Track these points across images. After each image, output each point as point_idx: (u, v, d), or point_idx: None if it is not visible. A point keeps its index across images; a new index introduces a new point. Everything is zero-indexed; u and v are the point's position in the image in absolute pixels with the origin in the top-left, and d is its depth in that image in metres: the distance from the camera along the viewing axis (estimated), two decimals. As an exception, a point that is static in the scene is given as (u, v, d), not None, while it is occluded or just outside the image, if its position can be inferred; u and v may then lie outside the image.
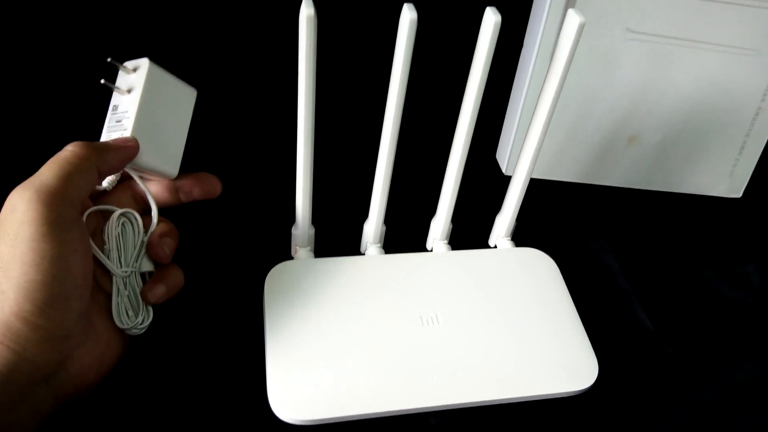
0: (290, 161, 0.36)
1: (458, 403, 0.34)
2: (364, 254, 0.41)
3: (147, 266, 0.34)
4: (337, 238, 0.41)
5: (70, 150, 0.30)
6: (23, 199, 0.27)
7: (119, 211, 0.33)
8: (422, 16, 0.31)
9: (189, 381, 0.34)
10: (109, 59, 0.34)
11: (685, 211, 0.50)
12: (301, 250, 0.40)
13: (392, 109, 0.34)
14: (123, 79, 0.35)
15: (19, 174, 0.29)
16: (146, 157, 0.33)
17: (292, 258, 0.40)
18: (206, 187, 0.36)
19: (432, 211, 0.42)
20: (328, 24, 0.33)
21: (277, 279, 0.37)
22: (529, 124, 0.38)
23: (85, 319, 0.30)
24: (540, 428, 0.35)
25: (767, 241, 0.48)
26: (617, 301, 0.42)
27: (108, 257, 0.32)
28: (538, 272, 0.41)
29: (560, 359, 0.36)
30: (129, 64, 0.35)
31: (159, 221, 0.34)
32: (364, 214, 0.40)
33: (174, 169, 0.35)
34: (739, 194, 0.51)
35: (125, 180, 0.35)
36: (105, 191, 0.34)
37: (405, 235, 0.42)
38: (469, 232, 0.43)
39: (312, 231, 0.40)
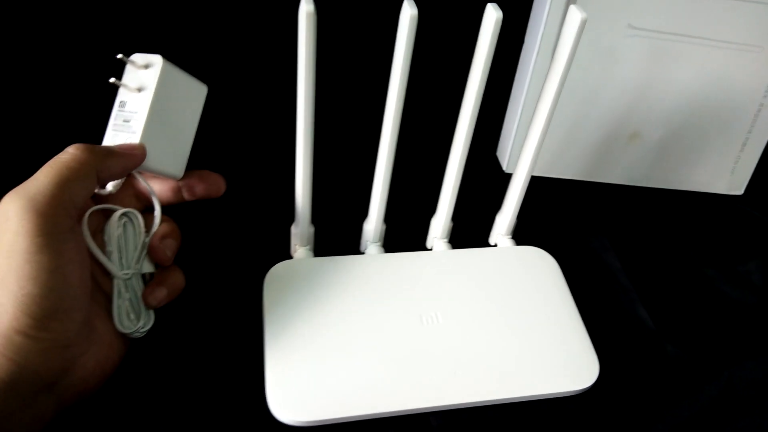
0: (290, 159, 0.35)
1: (459, 403, 0.34)
2: (364, 253, 0.41)
3: (148, 267, 0.33)
4: (337, 237, 0.41)
5: (70, 153, 0.29)
6: (17, 207, 0.26)
7: (120, 210, 0.32)
8: (422, 12, 0.30)
9: (187, 382, 0.34)
10: (119, 56, 0.32)
11: (686, 208, 0.50)
12: (301, 249, 0.40)
13: (392, 107, 0.34)
14: (132, 75, 0.33)
15: (18, 171, 0.29)
16: (153, 161, 0.32)
17: (291, 257, 0.40)
18: (210, 185, 0.36)
19: (432, 209, 0.42)
20: (327, 21, 0.33)
21: (276, 278, 0.37)
22: (530, 121, 0.38)
23: (86, 327, 0.29)
24: (541, 428, 0.35)
25: (768, 238, 0.48)
26: (618, 299, 0.42)
27: (109, 258, 0.31)
28: (539, 271, 0.41)
29: (561, 358, 0.36)
30: (138, 58, 0.33)
31: (161, 221, 0.34)
32: (364, 213, 0.40)
33: (180, 170, 0.34)
34: (740, 191, 0.51)
35: (127, 176, 0.34)
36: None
37: (405, 233, 0.42)
38: (470, 231, 0.43)
39: (312, 230, 0.40)
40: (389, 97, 0.34)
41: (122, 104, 0.32)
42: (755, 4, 0.43)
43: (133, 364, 0.33)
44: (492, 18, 0.31)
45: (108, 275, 0.32)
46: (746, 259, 0.45)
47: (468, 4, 0.36)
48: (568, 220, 0.47)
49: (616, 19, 0.44)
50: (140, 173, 0.33)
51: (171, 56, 0.33)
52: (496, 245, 0.43)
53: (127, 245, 0.32)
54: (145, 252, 0.33)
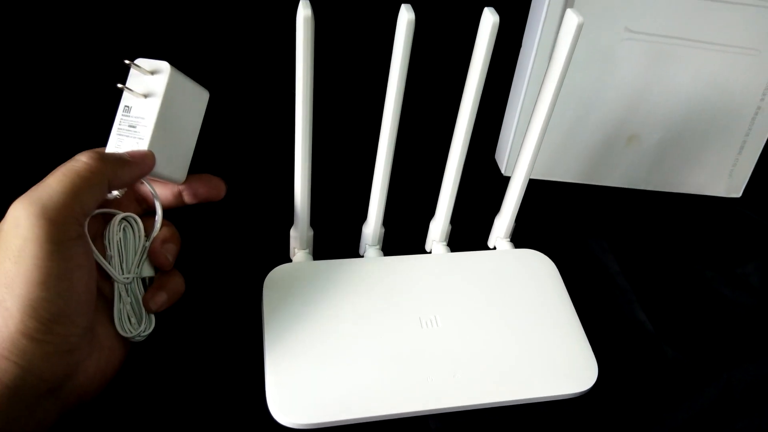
0: (288, 163, 0.36)
1: (457, 406, 0.34)
2: (363, 256, 0.41)
3: (147, 271, 0.33)
4: (336, 240, 0.41)
5: (83, 162, 0.29)
6: (28, 214, 0.26)
7: (121, 215, 0.32)
8: (420, 16, 0.31)
9: (187, 385, 0.34)
10: (126, 61, 0.32)
11: (685, 211, 0.50)
12: (300, 253, 0.40)
13: (390, 111, 0.34)
14: (138, 80, 0.32)
15: (20, 171, 0.29)
16: (160, 167, 0.32)
17: (290, 260, 0.40)
18: (211, 189, 0.36)
19: (431, 212, 0.42)
20: (325, 25, 0.33)
21: (275, 282, 0.37)
22: (528, 124, 0.38)
23: (89, 331, 0.29)
24: (540, 430, 0.35)
25: (767, 241, 0.48)
26: (617, 302, 0.42)
27: (109, 263, 0.31)
28: (537, 273, 0.41)
29: (559, 361, 0.36)
30: (144, 64, 0.32)
31: (161, 225, 0.34)
32: (363, 216, 0.40)
33: (183, 175, 0.35)
34: (738, 194, 0.51)
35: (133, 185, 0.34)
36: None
37: (404, 237, 0.42)
38: (468, 234, 0.43)
39: (311, 233, 0.40)
40: (387, 101, 0.34)
41: (127, 109, 0.32)
42: (752, 8, 0.43)
43: (134, 368, 0.33)
44: (489, 22, 0.31)
45: (108, 279, 0.32)
46: (744, 261, 0.46)
47: (466, 9, 0.37)
48: (567, 223, 0.47)
49: (613, 22, 0.44)
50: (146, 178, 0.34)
51: (170, 59, 0.33)
52: (494, 248, 0.44)
53: (127, 250, 0.32)
54: (145, 256, 0.33)
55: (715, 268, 0.45)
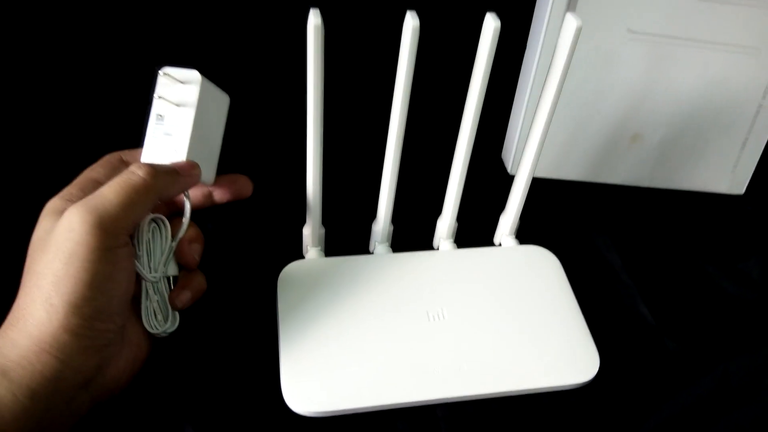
0: (301, 165, 0.37)
1: (464, 396, 0.35)
2: (372, 253, 0.43)
3: (173, 270, 0.34)
4: (347, 238, 0.42)
5: (140, 177, 0.30)
6: (83, 221, 0.28)
7: (150, 216, 0.33)
8: (426, 21, 0.32)
9: (207, 375, 0.36)
10: (159, 71, 0.33)
11: (688, 207, 0.50)
12: (312, 250, 0.41)
13: (398, 113, 0.35)
14: (168, 89, 0.34)
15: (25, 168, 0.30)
16: None
17: (303, 257, 0.41)
18: (240, 188, 0.37)
19: (438, 210, 0.43)
20: (335, 31, 0.34)
21: (289, 277, 0.39)
22: (531, 124, 0.39)
23: (122, 328, 0.31)
24: (543, 419, 0.36)
25: (769, 236, 0.48)
26: (620, 296, 0.43)
27: (139, 262, 0.32)
28: (542, 269, 0.42)
29: (562, 353, 0.37)
30: (174, 73, 0.34)
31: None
32: (373, 215, 0.42)
33: (212, 176, 0.36)
34: (741, 191, 0.52)
35: None
36: None
37: (412, 234, 0.43)
38: (475, 231, 0.44)
39: (322, 231, 0.41)
40: (395, 103, 0.35)
41: (160, 118, 0.33)
42: (752, 8, 0.44)
43: (155, 361, 0.34)
44: (491, 27, 0.33)
45: (136, 278, 0.33)
46: (746, 256, 0.46)
47: (471, 13, 0.38)
48: (572, 219, 0.48)
49: (615, 23, 0.45)
50: None
51: (186, 64, 0.34)
52: (500, 245, 0.45)
53: (155, 249, 0.33)
54: (171, 256, 0.34)
55: (717, 263, 0.45)
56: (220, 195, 0.37)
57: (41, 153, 0.47)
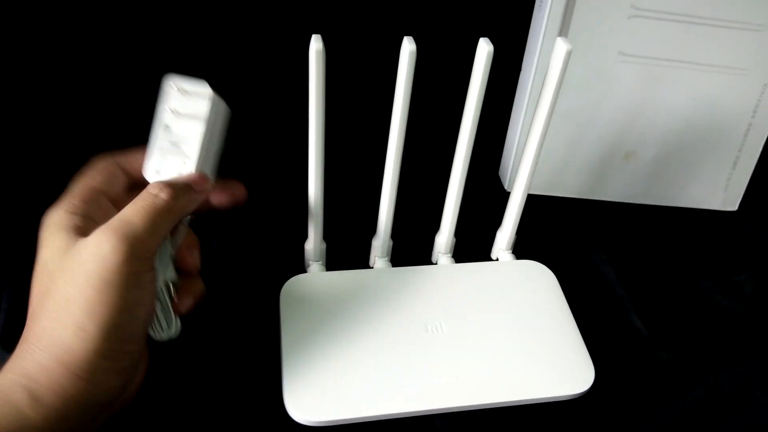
0: (303, 182, 0.38)
1: (462, 406, 0.36)
2: (372, 267, 0.43)
3: (171, 276, 0.34)
4: (348, 252, 0.43)
5: (164, 201, 0.30)
6: (116, 250, 0.28)
7: None
8: (423, 45, 0.33)
9: (210, 387, 0.36)
10: (171, 83, 0.33)
11: (682, 223, 0.51)
12: (314, 264, 0.42)
13: (396, 132, 0.36)
14: (177, 100, 0.33)
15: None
16: None
17: (305, 271, 0.42)
18: (234, 194, 0.36)
19: (436, 226, 0.44)
20: (336, 55, 0.36)
21: (291, 291, 0.40)
22: (526, 143, 0.40)
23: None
24: (539, 429, 0.36)
25: (762, 251, 0.49)
26: (614, 310, 0.43)
27: None
28: (538, 283, 0.43)
29: (558, 365, 0.38)
30: (185, 86, 0.33)
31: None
32: (373, 230, 0.42)
33: (212, 184, 0.36)
34: (734, 207, 0.53)
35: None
36: (131, 192, 0.34)
37: (411, 249, 0.44)
38: (473, 246, 0.45)
39: (324, 246, 0.42)
40: (393, 123, 0.36)
41: (167, 128, 0.33)
42: (740, 31, 0.45)
43: (160, 373, 0.35)
44: (484, 51, 0.34)
45: None
46: (739, 271, 0.47)
47: (466, 37, 0.39)
48: (567, 235, 0.49)
49: (607, 46, 0.46)
50: None
51: (190, 74, 0.35)
52: (497, 259, 0.46)
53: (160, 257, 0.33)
54: (171, 262, 0.34)
55: (710, 277, 0.46)
56: (217, 199, 0.36)
57: (35, 155, 0.47)
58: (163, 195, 0.30)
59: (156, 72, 0.35)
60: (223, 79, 0.36)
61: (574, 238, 0.49)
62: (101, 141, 0.36)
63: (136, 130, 0.35)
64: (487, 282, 0.42)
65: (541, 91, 0.38)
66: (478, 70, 0.35)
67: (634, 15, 0.45)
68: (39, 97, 0.49)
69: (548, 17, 0.45)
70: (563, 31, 0.45)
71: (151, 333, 0.33)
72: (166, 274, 0.34)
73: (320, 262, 0.42)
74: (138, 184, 0.33)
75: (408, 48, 0.33)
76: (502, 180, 0.54)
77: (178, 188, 0.31)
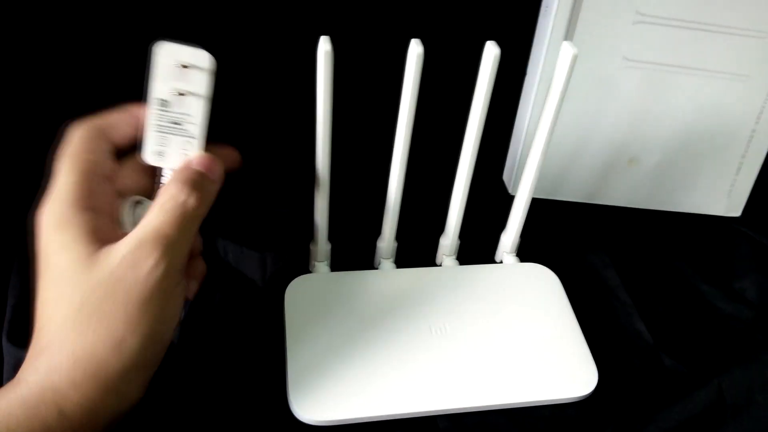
0: (309, 183, 0.38)
1: (465, 407, 0.36)
2: (377, 269, 0.44)
3: None
4: (352, 253, 0.43)
5: (193, 206, 0.29)
6: (156, 263, 0.27)
7: (133, 198, 0.30)
8: (432, 47, 0.33)
9: (215, 388, 0.36)
10: (166, 54, 0.29)
11: (685, 229, 0.51)
12: (319, 265, 0.42)
13: (402, 134, 0.37)
14: (173, 72, 0.29)
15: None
16: None
17: (310, 272, 0.42)
18: (227, 160, 0.33)
19: (441, 228, 0.44)
20: (343, 58, 0.36)
21: (296, 291, 0.40)
22: (530, 147, 0.41)
23: None
24: (542, 431, 0.36)
25: (765, 257, 0.49)
26: (617, 314, 0.44)
27: None
28: (542, 286, 0.43)
29: (561, 367, 0.38)
30: (178, 53, 0.29)
31: None
32: (378, 232, 0.43)
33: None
34: (738, 213, 0.53)
35: (134, 154, 0.31)
36: (119, 161, 0.31)
37: (416, 251, 0.44)
38: (477, 249, 0.45)
39: (329, 247, 0.42)
40: (400, 125, 0.37)
41: (164, 104, 0.30)
42: (742, 37, 0.46)
43: (164, 374, 0.34)
44: (491, 54, 0.34)
45: None
46: (742, 276, 0.47)
47: (473, 40, 0.39)
48: (571, 239, 0.49)
49: (611, 52, 0.46)
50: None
51: None
52: (501, 262, 0.46)
53: None
54: None
55: (713, 282, 0.46)
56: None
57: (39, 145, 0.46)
58: (192, 201, 0.29)
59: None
60: (230, 80, 0.36)
61: (578, 242, 0.49)
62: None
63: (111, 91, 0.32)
64: (491, 284, 0.42)
65: (546, 96, 0.38)
66: (485, 73, 0.35)
67: (639, 21, 0.45)
68: (39, 93, 0.48)
69: (554, 22, 0.45)
70: (568, 37, 0.46)
71: None
72: None
73: (325, 263, 0.43)
74: (123, 151, 0.31)
75: (415, 50, 0.33)
76: (506, 183, 0.54)
77: (204, 189, 0.30)
